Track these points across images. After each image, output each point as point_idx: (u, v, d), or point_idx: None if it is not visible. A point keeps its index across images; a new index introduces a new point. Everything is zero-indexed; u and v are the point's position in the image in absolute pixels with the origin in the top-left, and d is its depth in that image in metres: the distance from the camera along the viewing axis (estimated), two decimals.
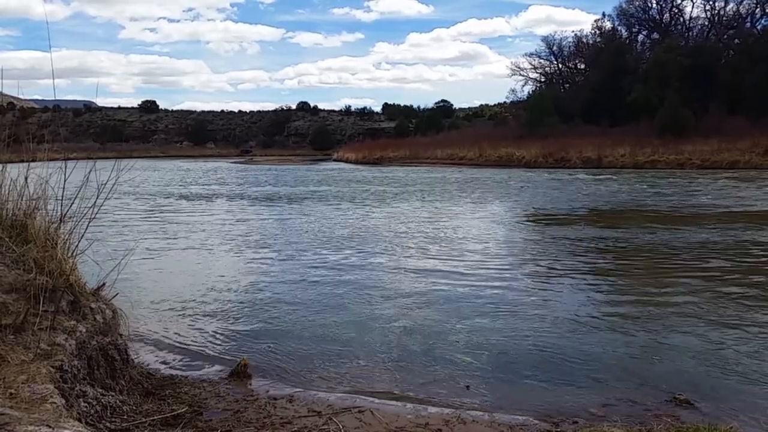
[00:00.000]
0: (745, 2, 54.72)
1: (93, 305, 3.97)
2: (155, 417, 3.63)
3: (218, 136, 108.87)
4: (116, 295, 4.36)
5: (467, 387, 4.89)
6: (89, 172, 4.20)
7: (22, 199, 4.12)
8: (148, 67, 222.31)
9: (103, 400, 3.46)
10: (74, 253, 4.05)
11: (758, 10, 54.42)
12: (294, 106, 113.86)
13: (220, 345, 5.97)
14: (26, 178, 4.19)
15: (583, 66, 67.48)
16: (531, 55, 69.99)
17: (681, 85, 46.87)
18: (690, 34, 59.06)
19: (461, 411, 4.33)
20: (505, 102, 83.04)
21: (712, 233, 12.41)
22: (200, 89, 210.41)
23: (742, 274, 8.75)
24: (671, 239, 11.81)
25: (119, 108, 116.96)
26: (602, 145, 43.44)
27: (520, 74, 68.68)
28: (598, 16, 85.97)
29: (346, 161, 62.26)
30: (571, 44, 67.39)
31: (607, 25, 63.38)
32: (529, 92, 65.77)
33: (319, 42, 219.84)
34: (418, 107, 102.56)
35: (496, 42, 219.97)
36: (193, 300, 7.60)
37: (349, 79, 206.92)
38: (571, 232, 13.06)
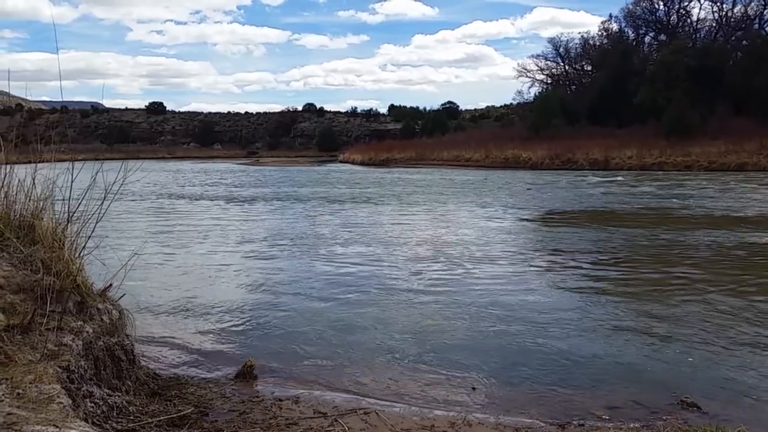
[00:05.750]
0: (752, 4, 54.52)
1: (100, 306, 3.98)
2: (161, 417, 3.64)
3: (225, 137, 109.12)
4: (123, 295, 4.37)
5: (473, 389, 4.88)
6: (96, 173, 4.21)
7: (29, 200, 4.14)
8: (155, 69, 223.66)
9: (109, 401, 3.47)
10: (81, 254, 4.06)
11: (766, 11, 54.17)
12: (300, 108, 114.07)
13: (226, 346, 5.98)
14: (34, 179, 4.21)
15: (589, 67, 67.34)
16: (537, 56, 70.02)
17: (688, 86, 46.68)
18: (697, 35, 58.86)
19: (467, 413, 4.32)
20: (511, 103, 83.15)
21: (720, 235, 12.34)
22: (207, 91, 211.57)
23: (751, 276, 8.69)
24: (677, 240, 11.76)
25: (126, 109, 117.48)
26: (609, 146, 43.28)
27: (527, 76, 68.79)
28: (603, 18, 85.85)
29: (353, 162, 62.22)
30: (577, 46, 67.37)
31: (614, 26, 63.35)
32: (535, 94, 65.78)
33: (325, 44, 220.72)
34: (424, 109, 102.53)
35: (501, 44, 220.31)
36: (200, 301, 7.61)
37: (355, 80, 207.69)
38: (575, 233, 13.02)
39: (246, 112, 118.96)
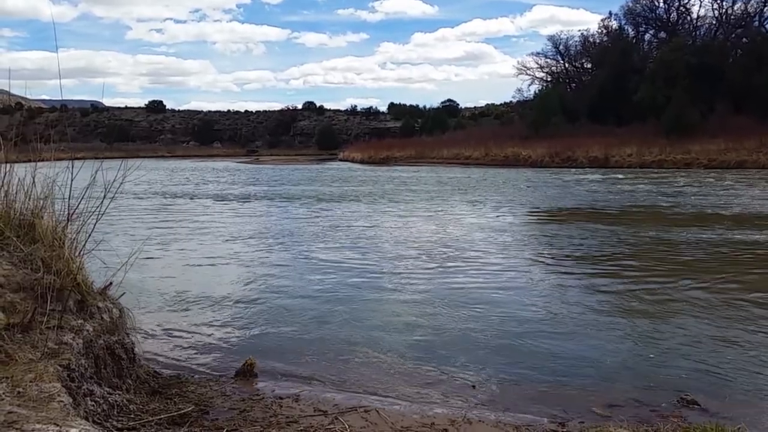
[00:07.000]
0: (753, 1, 54.45)
1: (100, 304, 3.98)
2: (162, 416, 3.64)
3: (224, 135, 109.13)
4: (123, 294, 4.37)
5: (473, 386, 4.88)
6: (96, 172, 4.21)
7: (29, 199, 4.14)
8: (154, 68, 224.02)
9: (110, 399, 3.47)
10: (81, 253, 4.05)
11: (766, 9, 54.13)
12: (300, 106, 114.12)
13: (226, 344, 5.98)
14: (33, 178, 4.21)
15: (589, 65, 67.27)
16: (537, 54, 69.92)
17: (688, 84, 46.66)
18: (697, 33, 58.81)
19: (467, 410, 4.32)
20: (511, 101, 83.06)
21: (721, 233, 12.35)
22: (206, 89, 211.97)
23: (752, 274, 8.70)
24: (677, 238, 11.75)
25: (126, 108, 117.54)
26: (609, 144, 43.34)
27: (527, 74, 68.73)
28: (603, 16, 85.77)
29: (352, 161, 62.21)
30: (577, 43, 67.30)
31: (614, 24, 63.29)
32: (535, 92, 65.69)
33: (324, 42, 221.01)
34: (424, 107, 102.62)
35: (500, 42, 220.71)
36: (200, 299, 7.62)
37: (355, 78, 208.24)
38: (575, 231, 13.02)
39: (246, 111, 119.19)
